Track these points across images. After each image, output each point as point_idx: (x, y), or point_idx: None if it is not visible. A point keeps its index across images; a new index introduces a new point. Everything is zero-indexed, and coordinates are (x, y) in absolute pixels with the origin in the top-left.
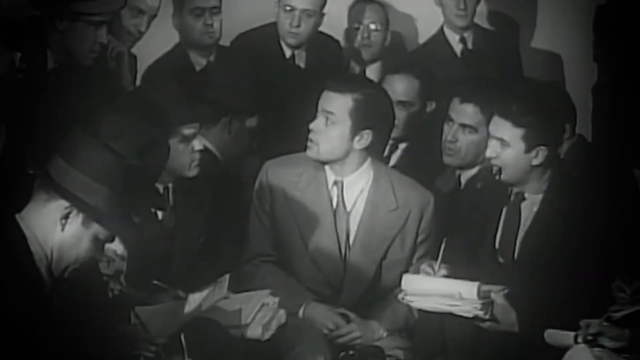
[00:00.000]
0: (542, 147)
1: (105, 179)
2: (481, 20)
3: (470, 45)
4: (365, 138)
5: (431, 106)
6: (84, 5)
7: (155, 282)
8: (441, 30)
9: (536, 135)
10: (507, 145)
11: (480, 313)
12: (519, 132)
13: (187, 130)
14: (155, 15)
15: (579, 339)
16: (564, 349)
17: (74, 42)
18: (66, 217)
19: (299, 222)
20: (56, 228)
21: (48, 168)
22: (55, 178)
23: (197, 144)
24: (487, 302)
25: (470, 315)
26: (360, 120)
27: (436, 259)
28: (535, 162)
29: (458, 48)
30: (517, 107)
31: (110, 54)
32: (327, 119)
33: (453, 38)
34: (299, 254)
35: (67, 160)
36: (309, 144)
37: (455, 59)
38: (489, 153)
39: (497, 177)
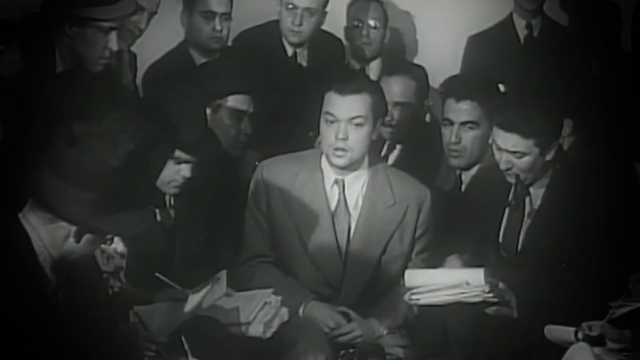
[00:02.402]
0: (554, 143)
1: (91, 186)
2: (553, 8)
3: (535, 33)
4: (379, 128)
5: (428, 105)
6: (94, 11)
7: (157, 274)
8: (510, 15)
9: (548, 136)
10: (523, 155)
11: (489, 296)
12: (530, 141)
13: (182, 155)
14: (155, 13)
15: (579, 335)
16: (564, 347)
17: (84, 47)
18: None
19: (296, 222)
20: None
21: (39, 183)
22: (46, 196)
23: (186, 171)
24: (494, 285)
25: (480, 299)
26: (377, 112)
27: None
28: (548, 157)
29: (522, 34)
30: (520, 120)
31: (112, 53)
32: (353, 124)
33: (519, 24)
34: (298, 255)
35: (53, 171)
36: (337, 153)
37: (518, 46)
38: (503, 166)
39: (514, 182)
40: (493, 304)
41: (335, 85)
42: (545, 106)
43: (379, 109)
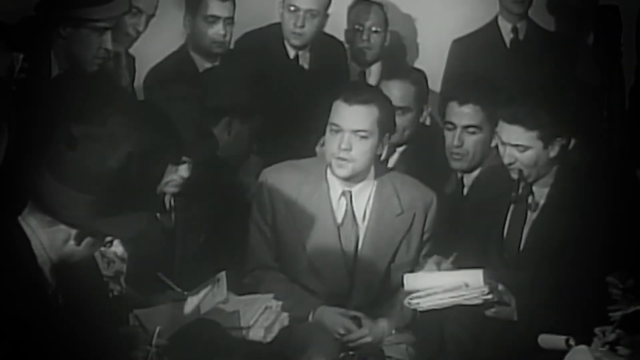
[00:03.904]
0: (558, 138)
1: (90, 188)
2: (539, 12)
3: (521, 37)
4: (386, 143)
5: (427, 110)
6: (88, 11)
7: (159, 274)
8: (495, 19)
9: (551, 130)
10: (525, 149)
11: (489, 297)
12: (534, 134)
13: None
14: (153, 15)
15: (571, 342)
16: (563, 350)
17: (79, 48)
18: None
19: (301, 234)
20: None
21: (39, 186)
22: (45, 199)
23: (184, 171)
24: (493, 286)
25: (480, 302)
26: (384, 126)
27: (442, 255)
28: (552, 154)
29: (508, 38)
30: (524, 113)
31: (108, 54)
32: (357, 135)
33: (505, 27)
34: (302, 266)
35: (52, 174)
36: (340, 163)
37: (504, 50)
38: (506, 160)
39: (516, 178)
40: (492, 305)
41: (344, 94)
42: (550, 100)
43: (386, 123)
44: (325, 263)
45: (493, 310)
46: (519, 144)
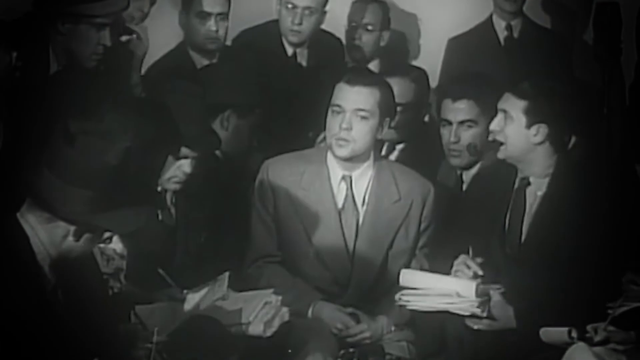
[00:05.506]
0: (543, 125)
1: (89, 184)
2: (534, 9)
3: (516, 34)
4: (386, 127)
5: (427, 108)
6: (87, 7)
7: (159, 270)
8: (489, 17)
9: (538, 110)
10: (510, 119)
11: (477, 311)
12: (521, 104)
13: (184, 150)
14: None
15: (573, 334)
16: (563, 348)
17: (77, 44)
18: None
19: (303, 221)
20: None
21: (37, 182)
22: (43, 195)
23: (187, 166)
24: (484, 300)
25: (467, 313)
26: (385, 109)
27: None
28: (535, 140)
29: (502, 36)
30: (528, 84)
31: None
32: (358, 115)
33: (499, 25)
34: (305, 254)
35: (50, 170)
36: (340, 143)
37: (498, 48)
38: (492, 126)
39: (499, 154)
40: (480, 319)
41: (347, 76)
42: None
43: (387, 108)
44: (327, 250)
45: (483, 323)
46: (505, 110)
